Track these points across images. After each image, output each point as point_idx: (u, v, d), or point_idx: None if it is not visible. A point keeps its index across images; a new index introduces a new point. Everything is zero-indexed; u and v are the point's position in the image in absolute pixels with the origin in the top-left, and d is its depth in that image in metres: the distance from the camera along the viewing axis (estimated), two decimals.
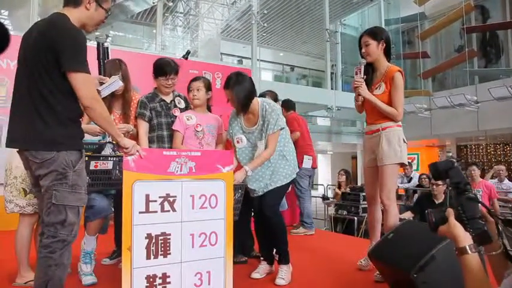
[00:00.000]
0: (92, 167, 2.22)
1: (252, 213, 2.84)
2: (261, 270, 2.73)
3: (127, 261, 1.92)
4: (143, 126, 2.74)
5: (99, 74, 2.12)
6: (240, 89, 2.46)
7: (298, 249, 3.69)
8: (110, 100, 2.63)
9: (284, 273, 2.60)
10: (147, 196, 1.98)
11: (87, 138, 2.48)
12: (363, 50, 2.69)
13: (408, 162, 10.20)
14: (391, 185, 2.61)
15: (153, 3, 9.58)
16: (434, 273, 2.00)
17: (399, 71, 2.60)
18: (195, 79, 2.80)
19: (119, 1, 9.33)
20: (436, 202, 4.80)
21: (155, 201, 2.00)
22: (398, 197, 8.72)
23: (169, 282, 2.02)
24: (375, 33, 2.67)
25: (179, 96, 2.92)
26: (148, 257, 1.97)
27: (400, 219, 4.58)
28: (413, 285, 1.98)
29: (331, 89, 12.46)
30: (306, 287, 2.61)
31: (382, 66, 2.68)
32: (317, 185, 12.81)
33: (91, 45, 1.99)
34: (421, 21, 12.18)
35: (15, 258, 2.39)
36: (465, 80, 10.87)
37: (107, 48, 2.05)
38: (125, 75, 2.71)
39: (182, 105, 2.89)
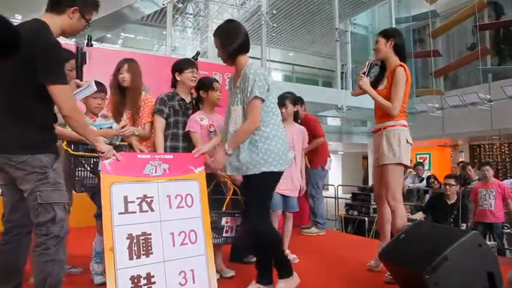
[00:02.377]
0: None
1: None
2: None
3: (110, 262, 1.94)
4: (160, 123, 2.75)
5: (77, 77, 2.18)
6: (229, 40, 2.27)
7: (308, 249, 3.69)
8: (121, 99, 2.73)
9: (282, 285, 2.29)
10: (125, 197, 2.05)
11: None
12: (375, 47, 2.77)
13: (420, 162, 10.06)
14: (394, 185, 2.58)
15: (163, 4, 9.64)
16: (446, 274, 1.98)
17: (401, 65, 2.61)
18: (216, 80, 2.87)
19: (130, 3, 9.42)
20: (449, 202, 4.74)
21: (133, 202, 2.07)
22: (409, 197, 8.65)
23: (154, 282, 2.02)
24: (385, 31, 2.76)
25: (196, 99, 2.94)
26: (131, 257, 2.00)
27: (412, 220, 4.60)
28: (425, 286, 1.96)
29: (342, 88, 12.40)
30: (315, 287, 2.60)
31: (390, 65, 2.70)
32: (327, 185, 12.76)
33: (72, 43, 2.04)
34: (433, 19, 12.00)
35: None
36: (478, 79, 10.70)
37: (85, 53, 2.12)
38: (132, 71, 2.76)
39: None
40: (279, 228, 3.25)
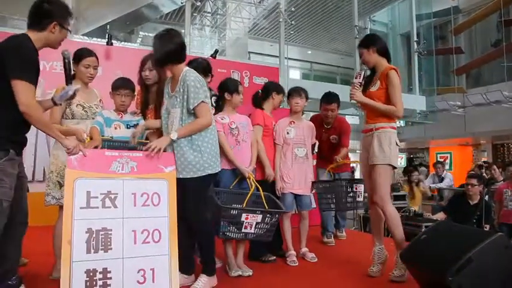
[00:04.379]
0: None
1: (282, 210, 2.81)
2: None
3: (67, 254, 1.97)
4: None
5: (66, 84, 2.24)
6: (162, 46, 2.32)
7: (326, 248, 3.66)
8: (146, 95, 2.80)
9: (201, 284, 2.35)
10: (88, 193, 2.07)
11: (119, 135, 2.56)
12: (361, 59, 2.82)
13: (440, 161, 9.89)
14: (382, 186, 2.61)
15: (182, 3, 9.70)
16: (470, 276, 1.94)
17: (393, 69, 2.66)
18: (240, 83, 2.94)
19: (148, 2, 9.52)
20: (471, 203, 4.62)
21: (96, 197, 2.08)
22: (431, 197, 8.48)
23: (110, 278, 2.03)
24: (363, 42, 2.81)
25: (215, 96, 2.97)
26: (88, 251, 2.01)
27: (433, 220, 4.50)
28: None
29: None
30: (326, 286, 2.60)
31: (380, 67, 2.74)
32: None
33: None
34: (455, 15, 11.75)
35: (51, 252, 2.48)
36: (502, 76, 10.41)
37: (69, 61, 2.22)
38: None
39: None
40: (294, 227, 3.24)
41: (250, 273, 2.71)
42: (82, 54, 2.59)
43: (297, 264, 3.05)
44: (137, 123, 2.67)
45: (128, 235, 2.12)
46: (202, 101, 2.31)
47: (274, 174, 3.08)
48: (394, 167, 2.70)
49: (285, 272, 2.91)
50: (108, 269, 2.03)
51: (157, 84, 2.77)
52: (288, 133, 3.20)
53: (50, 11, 1.99)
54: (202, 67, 2.86)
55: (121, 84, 2.68)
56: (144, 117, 2.77)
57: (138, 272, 2.10)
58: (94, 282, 1.99)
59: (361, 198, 3.20)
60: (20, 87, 1.85)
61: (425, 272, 2.22)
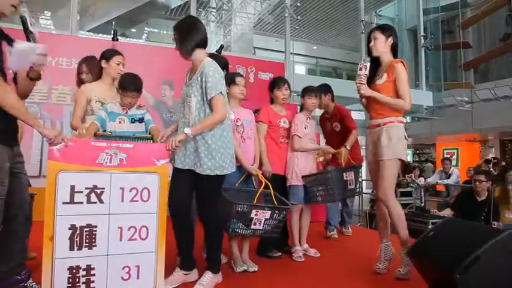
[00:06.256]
0: None
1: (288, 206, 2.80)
2: (173, 280, 2.34)
3: (48, 251, 1.91)
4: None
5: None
6: (189, 35, 2.30)
7: (329, 244, 3.65)
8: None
9: (206, 280, 2.33)
10: (73, 187, 1.96)
11: (124, 130, 2.55)
12: (371, 44, 2.72)
13: (447, 157, 9.82)
14: (388, 181, 2.59)
15: None
16: (478, 274, 1.90)
17: (401, 61, 2.63)
18: (241, 75, 2.89)
19: None
20: (479, 199, 4.56)
21: (81, 192, 1.97)
22: (437, 193, 8.42)
23: (93, 274, 1.99)
24: (384, 28, 2.76)
25: None
26: (71, 248, 1.95)
27: (440, 217, 4.46)
28: (455, 286, 1.90)
29: None
30: (332, 282, 2.58)
31: (386, 60, 2.70)
32: None
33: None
34: (463, 9, 11.60)
35: None
36: (511, 71, 10.28)
37: (25, 17, 1.96)
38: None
39: None
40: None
41: (256, 269, 2.71)
42: (112, 53, 2.80)
43: (303, 260, 3.04)
44: (142, 117, 2.66)
45: (114, 232, 2.05)
46: (220, 92, 2.27)
47: (271, 170, 2.98)
48: (403, 161, 2.67)
49: (290, 267, 2.90)
50: (92, 266, 1.99)
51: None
52: (305, 128, 3.20)
53: None
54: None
55: (129, 86, 2.62)
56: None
57: (122, 269, 2.07)
58: (77, 279, 1.96)
59: (352, 186, 3.13)
60: None
61: (432, 269, 2.20)
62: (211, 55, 2.63)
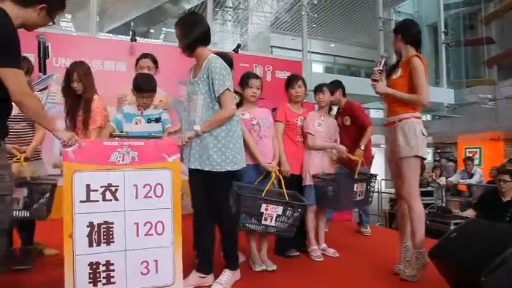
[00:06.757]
0: None
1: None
2: (186, 281, 2.32)
3: (69, 248, 1.98)
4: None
5: (39, 71, 2.13)
6: (192, 29, 2.29)
7: (346, 243, 3.60)
8: (72, 102, 2.79)
9: (225, 278, 2.35)
10: (88, 186, 2.02)
11: (140, 130, 2.58)
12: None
13: (469, 156, 9.57)
14: (411, 179, 2.53)
15: None
16: (504, 277, 1.85)
17: (416, 55, 2.59)
18: (256, 77, 2.86)
19: None
20: (503, 200, 4.43)
21: (96, 190, 2.04)
22: (459, 193, 8.22)
23: (113, 270, 2.04)
24: (396, 27, 2.79)
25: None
26: (90, 245, 2.01)
27: (462, 217, 4.35)
28: None
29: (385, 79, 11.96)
30: (351, 282, 2.55)
31: (405, 55, 2.67)
32: None
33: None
34: (485, 3, 11.28)
35: None
36: None
37: (47, 46, 2.01)
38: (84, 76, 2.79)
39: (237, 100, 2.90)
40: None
41: (275, 268, 2.70)
42: (139, 57, 2.96)
43: (322, 259, 3.01)
44: (159, 117, 2.67)
45: (130, 228, 2.10)
46: (228, 89, 2.27)
47: (290, 170, 2.97)
48: (423, 158, 2.59)
49: (308, 267, 2.88)
50: (111, 262, 2.05)
51: (83, 94, 2.80)
52: (319, 125, 3.16)
53: None
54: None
55: (143, 87, 2.63)
56: (75, 125, 2.78)
57: (141, 264, 2.12)
58: (98, 275, 2.02)
59: (361, 197, 3.01)
60: (11, 75, 1.63)
61: (455, 270, 2.14)
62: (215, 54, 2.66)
